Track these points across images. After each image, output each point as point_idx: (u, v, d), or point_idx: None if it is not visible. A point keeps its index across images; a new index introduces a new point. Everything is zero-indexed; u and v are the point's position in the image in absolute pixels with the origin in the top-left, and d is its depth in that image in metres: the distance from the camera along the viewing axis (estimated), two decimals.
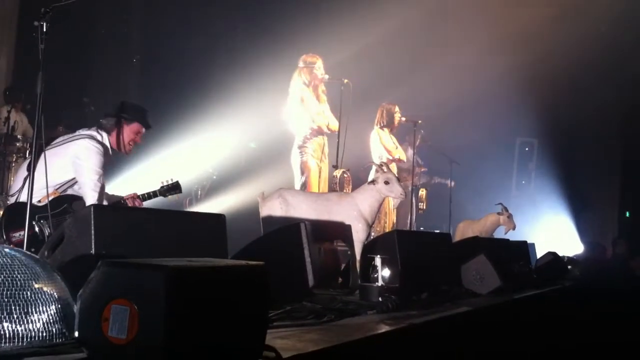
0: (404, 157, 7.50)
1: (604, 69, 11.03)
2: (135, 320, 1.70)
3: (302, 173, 5.95)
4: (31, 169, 3.66)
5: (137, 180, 6.98)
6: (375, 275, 3.72)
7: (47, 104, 3.50)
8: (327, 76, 6.19)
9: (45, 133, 3.60)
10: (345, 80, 6.18)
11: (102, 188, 4.39)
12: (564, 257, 7.36)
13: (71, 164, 4.35)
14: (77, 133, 4.55)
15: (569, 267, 7.22)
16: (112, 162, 4.79)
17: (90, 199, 4.25)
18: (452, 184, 8.51)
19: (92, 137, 4.46)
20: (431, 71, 10.00)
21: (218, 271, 1.92)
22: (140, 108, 4.88)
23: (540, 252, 6.90)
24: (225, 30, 10.76)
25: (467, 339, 3.86)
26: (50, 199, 4.24)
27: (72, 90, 8.86)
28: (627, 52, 10.73)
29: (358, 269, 4.20)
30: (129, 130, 4.67)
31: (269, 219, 4.48)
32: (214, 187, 8.99)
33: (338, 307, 3.22)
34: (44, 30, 3.38)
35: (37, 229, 4.07)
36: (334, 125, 6.09)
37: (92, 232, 2.57)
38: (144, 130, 4.77)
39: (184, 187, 5.03)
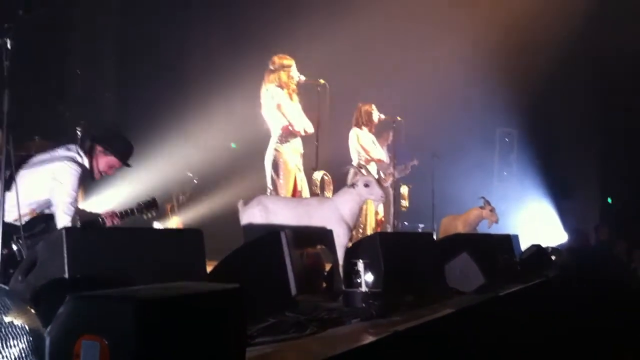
0: (383, 157, 7.43)
1: (581, 58, 11.09)
2: (106, 355, 1.65)
3: (277, 175, 5.85)
4: (1, 188, 3.55)
5: (117, 193, 6.87)
6: (359, 280, 3.68)
7: (22, 114, 3.40)
8: (303, 77, 6.08)
9: (19, 146, 3.49)
10: (322, 81, 6.10)
11: (75, 211, 4.27)
12: (547, 247, 7.37)
13: (48, 184, 4.25)
14: (57, 152, 4.37)
15: (553, 257, 7.23)
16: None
17: (62, 221, 4.13)
18: (416, 161, 8.32)
19: (72, 160, 4.30)
20: (409, 66, 9.98)
21: (191, 298, 1.87)
22: (126, 143, 4.61)
23: (524, 243, 6.89)
24: (201, 30, 10.66)
25: (453, 341, 3.84)
26: (28, 218, 4.16)
27: (47, 98, 8.72)
28: (605, 42, 10.77)
29: (341, 274, 4.16)
30: (104, 161, 4.48)
31: (250, 227, 4.42)
32: (195, 192, 8.91)
33: (321, 317, 3.17)
34: (8, 47, 3.26)
35: (15, 248, 3.98)
36: (310, 127, 6.00)
37: (65, 255, 2.50)
38: (119, 165, 4.55)
39: (165, 193, 4.96)
